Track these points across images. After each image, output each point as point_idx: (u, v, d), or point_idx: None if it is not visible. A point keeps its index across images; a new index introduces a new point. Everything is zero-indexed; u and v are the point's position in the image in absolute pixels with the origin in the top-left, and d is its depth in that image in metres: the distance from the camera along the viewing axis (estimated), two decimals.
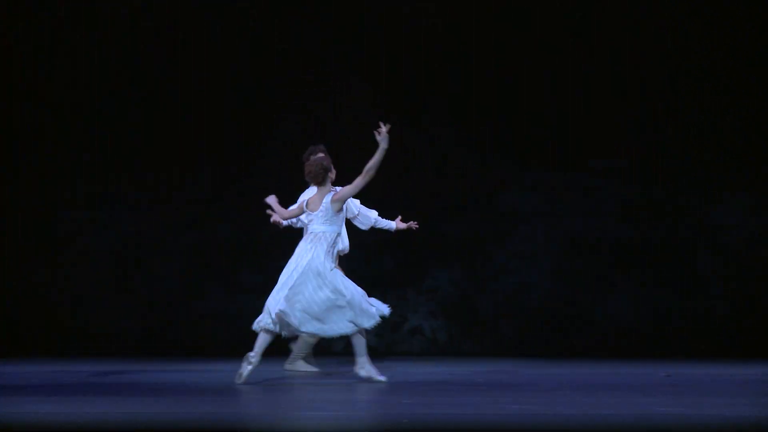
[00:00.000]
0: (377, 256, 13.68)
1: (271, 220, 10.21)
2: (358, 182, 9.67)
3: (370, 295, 11.14)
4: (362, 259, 13.61)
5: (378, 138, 9.60)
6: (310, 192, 10.33)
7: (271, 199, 10.15)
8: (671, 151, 13.44)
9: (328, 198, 9.78)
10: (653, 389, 9.02)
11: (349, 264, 13.60)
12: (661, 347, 13.25)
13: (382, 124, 9.65)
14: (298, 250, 9.82)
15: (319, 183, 9.85)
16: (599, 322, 13.45)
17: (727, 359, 12.43)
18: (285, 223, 10.46)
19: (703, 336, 13.28)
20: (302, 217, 9.99)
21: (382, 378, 9.74)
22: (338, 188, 9.85)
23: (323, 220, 9.78)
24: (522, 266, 13.55)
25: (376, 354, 13.21)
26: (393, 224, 10.69)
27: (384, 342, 13.61)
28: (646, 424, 6.83)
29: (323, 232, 9.76)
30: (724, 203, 13.37)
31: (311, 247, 9.71)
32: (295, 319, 9.54)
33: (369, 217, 10.68)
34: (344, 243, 10.77)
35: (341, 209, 9.81)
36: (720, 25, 13.38)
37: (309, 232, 9.87)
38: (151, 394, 8.82)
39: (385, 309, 9.74)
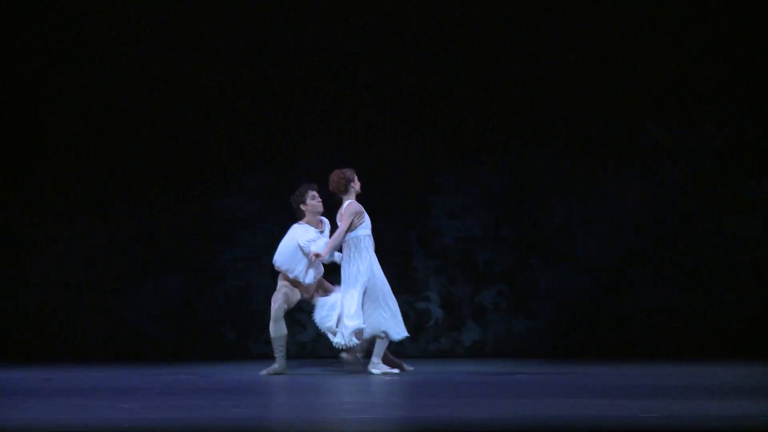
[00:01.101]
0: (103, 260, 13.57)
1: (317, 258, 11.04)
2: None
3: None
4: (86, 263, 13.59)
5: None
6: (299, 228, 11.13)
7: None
8: (373, 155, 13.54)
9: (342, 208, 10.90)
10: (370, 392, 9.20)
11: (74, 270, 13.55)
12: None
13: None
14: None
15: (343, 192, 10.81)
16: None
17: (444, 360, 12.97)
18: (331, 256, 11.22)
19: (420, 336, 13.50)
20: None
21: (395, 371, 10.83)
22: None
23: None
24: (244, 269, 13.56)
25: (100, 359, 13.16)
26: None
27: (107, 346, 13.48)
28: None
29: (350, 237, 10.85)
30: (437, 206, 13.59)
31: (347, 254, 10.86)
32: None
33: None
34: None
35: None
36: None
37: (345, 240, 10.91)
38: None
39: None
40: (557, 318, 13.43)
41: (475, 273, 13.47)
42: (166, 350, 13.48)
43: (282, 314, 10.98)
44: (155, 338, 13.54)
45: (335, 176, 10.93)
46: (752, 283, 13.29)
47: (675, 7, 13.42)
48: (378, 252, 13.43)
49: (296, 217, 11.18)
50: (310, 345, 13.54)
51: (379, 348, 10.82)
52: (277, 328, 10.97)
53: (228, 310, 13.57)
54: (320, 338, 13.40)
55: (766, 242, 13.31)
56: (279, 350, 10.95)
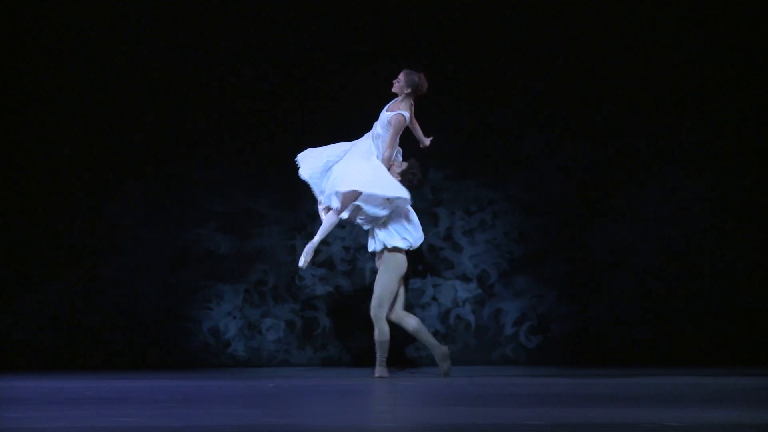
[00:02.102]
0: None
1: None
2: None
3: None
4: None
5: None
6: None
7: None
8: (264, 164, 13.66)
9: None
10: (257, 400, 9.21)
11: None
12: (261, 357, 13.48)
13: None
14: None
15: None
16: (204, 333, 13.54)
17: (331, 368, 13.17)
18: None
19: (308, 345, 13.55)
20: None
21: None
22: None
23: None
24: (132, 278, 13.53)
25: None
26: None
27: None
28: None
29: None
30: None
31: None
32: None
33: None
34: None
35: None
36: None
37: None
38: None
39: None
40: (443, 326, 13.53)
41: (362, 282, 13.52)
42: (52, 360, 13.36)
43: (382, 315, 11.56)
44: (41, 348, 13.39)
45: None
46: (635, 292, 13.53)
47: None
48: (269, 260, 13.53)
49: None
50: (200, 354, 13.52)
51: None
52: (380, 332, 11.53)
53: (115, 318, 13.46)
54: (208, 347, 13.41)
55: (646, 250, 13.57)
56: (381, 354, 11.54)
